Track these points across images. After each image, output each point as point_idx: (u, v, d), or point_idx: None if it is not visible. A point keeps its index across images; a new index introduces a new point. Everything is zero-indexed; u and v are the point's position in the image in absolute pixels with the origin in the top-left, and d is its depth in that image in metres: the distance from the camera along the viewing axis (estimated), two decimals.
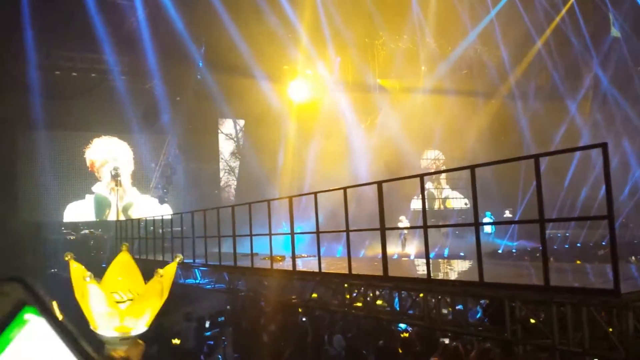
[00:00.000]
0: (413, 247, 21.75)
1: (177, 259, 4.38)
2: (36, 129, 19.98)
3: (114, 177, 21.58)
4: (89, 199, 21.64)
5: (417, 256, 19.64)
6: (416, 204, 27.41)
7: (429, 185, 27.46)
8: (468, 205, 27.70)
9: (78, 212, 21.36)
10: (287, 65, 25.41)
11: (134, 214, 21.64)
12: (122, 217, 21.64)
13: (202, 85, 23.20)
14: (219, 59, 22.80)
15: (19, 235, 18.27)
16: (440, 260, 14.22)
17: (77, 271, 3.49)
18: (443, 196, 28.74)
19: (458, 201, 28.90)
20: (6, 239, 16.85)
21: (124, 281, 3.65)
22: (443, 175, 28.36)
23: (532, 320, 5.50)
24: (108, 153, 22.10)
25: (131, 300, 3.53)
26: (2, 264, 14.46)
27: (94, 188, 21.77)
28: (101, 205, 21.72)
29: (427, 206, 7.48)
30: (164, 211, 21.37)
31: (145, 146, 22.36)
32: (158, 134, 22.53)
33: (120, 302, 3.48)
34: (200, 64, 23.31)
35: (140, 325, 3.42)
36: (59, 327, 0.80)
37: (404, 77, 27.28)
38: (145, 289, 3.62)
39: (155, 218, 15.99)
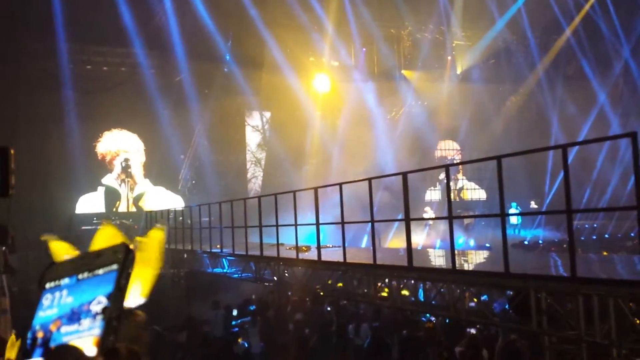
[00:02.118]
0: (438, 237, 21.63)
1: (160, 227, 4.43)
2: (68, 123, 20.37)
3: (124, 169, 21.89)
4: (101, 191, 21.88)
5: (442, 247, 19.51)
6: (430, 195, 27.23)
7: (442, 176, 27.17)
8: (484, 198, 27.37)
9: (90, 204, 21.47)
10: (312, 57, 25.38)
11: (146, 205, 21.93)
12: (133, 209, 21.98)
13: (230, 78, 23.32)
14: (245, 52, 22.91)
15: (53, 227, 18.68)
16: (465, 251, 14.09)
17: (60, 249, 3.56)
18: (458, 187, 28.27)
19: (475, 192, 28.46)
20: (41, 230, 17.21)
21: None
22: (457, 166, 28.00)
23: (559, 311, 5.42)
24: (119, 145, 22.31)
25: None
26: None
27: (104, 180, 21.96)
28: (111, 197, 21.89)
29: (439, 197, 7.44)
30: (177, 203, 21.67)
31: (174, 138, 22.56)
32: (186, 126, 22.74)
33: None
34: (228, 57, 23.43)
35: (133, 296, 3.47)
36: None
37: (430, 67, 26.98)
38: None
39: (184, 208, 16.20)
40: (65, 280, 1.03)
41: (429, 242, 21.69)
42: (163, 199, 21.94)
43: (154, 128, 22.16)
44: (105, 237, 1.39)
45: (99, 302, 0.97)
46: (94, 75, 21.44)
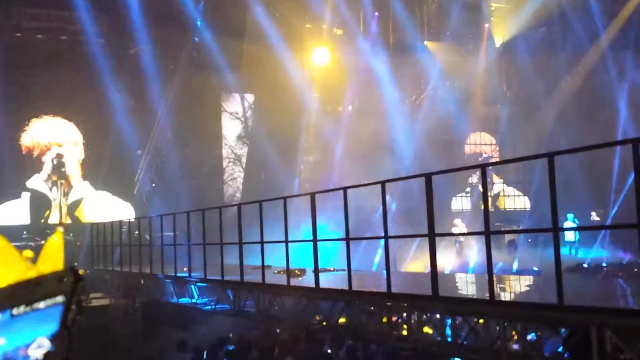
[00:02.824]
0: (471, 258, 21.64)
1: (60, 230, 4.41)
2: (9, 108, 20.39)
3: (56, 168, 21.54)
4: (26, 197, 21.40)
5: (477, 270, 19.51)
6: (457, 204, 27.19)
7: (473, 179, 27.16)
8: (528, 207, 27.39)
9: (11, 215, 20.89)
10: (309, 24, 25.41)
11: (86, 214, 21.82)
12: (68, 220, 21.58)
13: (201, 50, 23.32)
14: (222, 16, 22.91)
15: None
16: (507, 275, 14.11)
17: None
18: (494, 193, 28.14)
19: (516, 200, 28.41)
20: None
21: None
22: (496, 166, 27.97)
23: (628, 355, 5.42)
24: (50, 136, 21.89)
25: None
26: None
27: (30, 183, 21.48)
28: (39, 204, 21.41)
29: (469, 206, 7.49)
30: (126, 212, 21.54)
31: (129, 128, 22.43)
32: (145, 112, 22.70)
33: None
34: (199, 22, 23.44)
35: None
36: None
37: (462, 38, 27.01)
38: None
39: (141, 219, 16.20)
40: None
41: (459, 264, 21.69)
42: (107, 207, 21.78)
43: (100, 114, 22.04)
44: (52, 253, 1.40)
45: (40, 346, 0.96)
46: (24, 46, 21.41)
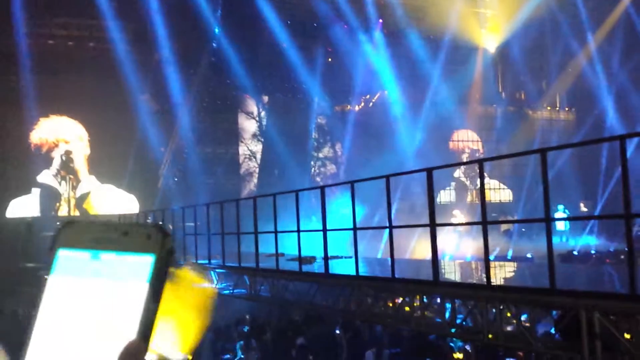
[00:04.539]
0: (469, 247, 21.60)
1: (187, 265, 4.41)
2: (26, 108, 20.42)
3: (64, 164, 21.52)
4: (36, 193, 21.30)
5: (475, 258, 19.48)
6: (445, 196, 27.10)
7: (457, 173, 27.02)
8: (510, 199, 27.24)
9: (24, 210, 20.83)
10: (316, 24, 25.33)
11: (95, 206, 21.75)
12: (76, 213, 21.50)
13: (219, 55, 23.33)
14: (238, 22, 22.90)
15: (3, 233, 18.69)
16: (502, 262, 14.06)
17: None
18: (477, 187, 28.03)
19: (499, 193, 28.27)
20: None
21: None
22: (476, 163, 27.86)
23: (615, 336, 5.39)
24: (56, 134, 21.81)
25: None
26: None
27: (40, 177, 21.44)
28: (49, 197, 21.32)
29: (454, 199, 7.47)
30: (131, 203, 21.42)
31: (152, 128, 22.45)
32: (167, 113, 22.73)
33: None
34: (217, 30, 23.44)
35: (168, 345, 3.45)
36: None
37: (459, 38, 26.89)
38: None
39: (165, 211, 16.24)
40: (83, 254, 0.83)
41: (459, 252, 21.68)
42: (113, 199, 21.71)
43: (125, 116, 21.97)
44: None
45: None
46: (56, 52, 21.43)
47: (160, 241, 0.81)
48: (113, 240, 0.82)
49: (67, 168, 21.62)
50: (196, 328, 1.15)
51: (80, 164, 22.05)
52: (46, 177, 21.55)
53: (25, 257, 18.09)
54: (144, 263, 0.80)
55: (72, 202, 21.76)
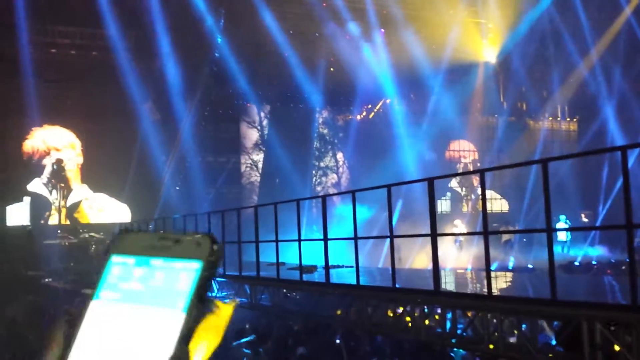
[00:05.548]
0: (470, 256, 21.58)
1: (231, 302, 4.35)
2: (29, 116, 20.47)
3: (55, 172, 21.38)
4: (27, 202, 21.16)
5: (476, 268, 19.45)
6: (439, 206, 27.05)
7: (453, 183, 26.96)
8: (506, 209, 27.15)
9: (16, 218, 20.68)
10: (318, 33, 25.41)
11: (87, 215, 21.71)
12: (67, 222, 21.37)
13: (221, 65, 23.39)
14: (240, 32, 22.97)
15: (6, 241, 18.71)
16: (503, 272, 14.05)
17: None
18: (474, 197, 27.82)
19: (495, 203, 28.11)
20: None
21: None
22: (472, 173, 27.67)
23: (617, 347, 5.38)
24: (48, 142, 21.70)
25: None
26: None
27: (30, 186, 21.33)
28: (39, 206, 21.19)
29: (448, 209, 7.47)
30: (123, 212, 21.42)
31: (154, 137, 22.45)
32: (169, 122, 22.76)
33: None
34: (219, 39, 23.51)
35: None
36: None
37: (462, 52, 26.95)
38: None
39: (165, 219, 16.25)
40: (133, 261, 0.88)
41: (459, 263, 21.64)
42: (105, 208, 21.70)
43: (127, 124, 21.97)
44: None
45: None
46: (58, 61, 21.49)
47: (208, 248, 0.86)
48: (165, 248, 0.87)
49: (58, 176, 21.49)
50: (210, 348, 1.15)
51: (72, 172, 21.96)
52: (37, 185, 21.45)
53: (27, 265, 18.13)
54: (190, 269, 0.84)
55: (63, 211, 21.63)
